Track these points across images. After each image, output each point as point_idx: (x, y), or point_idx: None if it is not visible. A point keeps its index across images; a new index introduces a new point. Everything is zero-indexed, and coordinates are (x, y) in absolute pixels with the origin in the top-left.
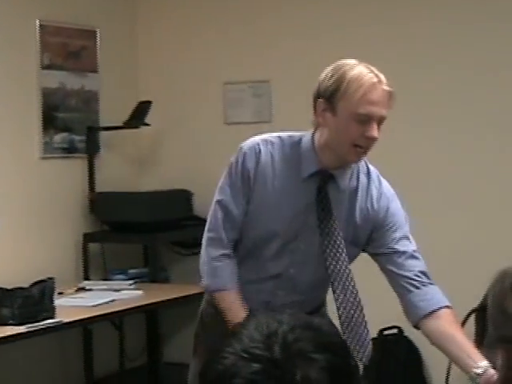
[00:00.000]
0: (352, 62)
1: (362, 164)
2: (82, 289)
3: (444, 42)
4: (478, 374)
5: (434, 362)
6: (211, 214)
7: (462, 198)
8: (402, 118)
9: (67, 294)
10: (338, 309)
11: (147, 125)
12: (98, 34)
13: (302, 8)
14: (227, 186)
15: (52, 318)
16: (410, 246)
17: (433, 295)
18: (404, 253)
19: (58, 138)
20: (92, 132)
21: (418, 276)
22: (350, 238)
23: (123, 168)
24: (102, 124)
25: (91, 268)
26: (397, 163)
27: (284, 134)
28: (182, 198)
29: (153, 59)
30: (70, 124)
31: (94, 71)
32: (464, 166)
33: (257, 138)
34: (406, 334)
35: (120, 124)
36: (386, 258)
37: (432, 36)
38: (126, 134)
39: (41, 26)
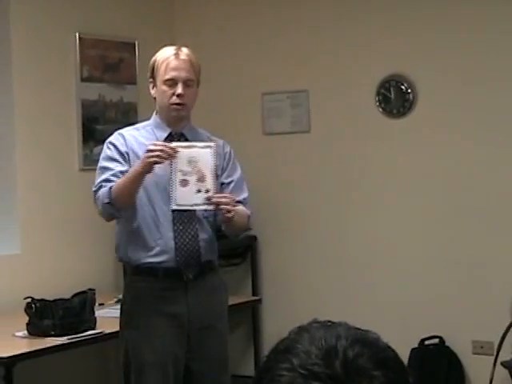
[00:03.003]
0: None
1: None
2: None
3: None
4: None
5: (476, 371)
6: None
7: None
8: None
9: (108, 304)
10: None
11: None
12: (137, 46)
13: (341, 19)
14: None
15: (93, 328)
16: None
17: None
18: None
19: (98, 149)
20: None
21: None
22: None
23: None
24: None
25: None
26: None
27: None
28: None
29: None
30: (109, 136)
31: (133, 83)
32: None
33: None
34: (447, 343)
35: None
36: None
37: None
38: None
39: (80, 38)
